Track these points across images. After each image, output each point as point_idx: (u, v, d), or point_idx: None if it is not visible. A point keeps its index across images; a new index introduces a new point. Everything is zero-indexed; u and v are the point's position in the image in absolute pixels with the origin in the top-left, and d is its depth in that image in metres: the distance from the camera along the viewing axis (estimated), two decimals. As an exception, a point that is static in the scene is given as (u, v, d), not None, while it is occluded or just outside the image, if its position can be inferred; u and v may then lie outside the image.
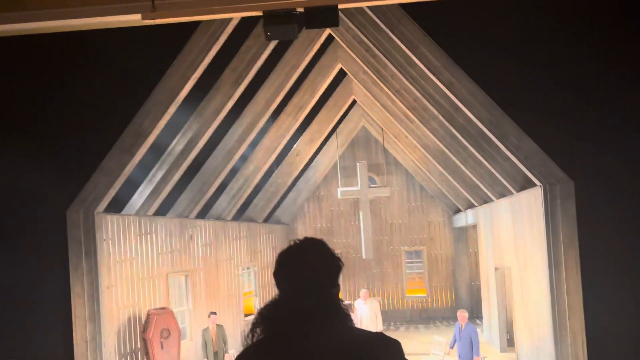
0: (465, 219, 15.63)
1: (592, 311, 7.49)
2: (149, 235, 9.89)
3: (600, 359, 7.47)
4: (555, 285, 7.83)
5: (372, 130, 17.46)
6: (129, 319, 9.08)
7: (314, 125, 14.73)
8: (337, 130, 16.29)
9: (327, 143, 16.45)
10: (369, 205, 14.41)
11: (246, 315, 14.18)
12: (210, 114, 9.70)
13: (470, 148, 10.05)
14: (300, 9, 5.57)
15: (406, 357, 1.59)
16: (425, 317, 17.71)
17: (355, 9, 8.93)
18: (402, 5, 7.82)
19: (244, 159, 12.65)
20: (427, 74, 8.41)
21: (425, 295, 17.94)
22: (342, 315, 1.55)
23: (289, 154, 14.78)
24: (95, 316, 7.96)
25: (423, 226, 17.91)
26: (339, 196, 15.01)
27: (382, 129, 15.92)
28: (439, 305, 17.83)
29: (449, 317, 17.30)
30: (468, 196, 13.95)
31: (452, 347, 9.39)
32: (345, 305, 1.58)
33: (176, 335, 9.52)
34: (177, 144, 9.72)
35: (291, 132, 13.19)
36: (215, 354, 9.85)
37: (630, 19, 6.93)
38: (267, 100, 11.19)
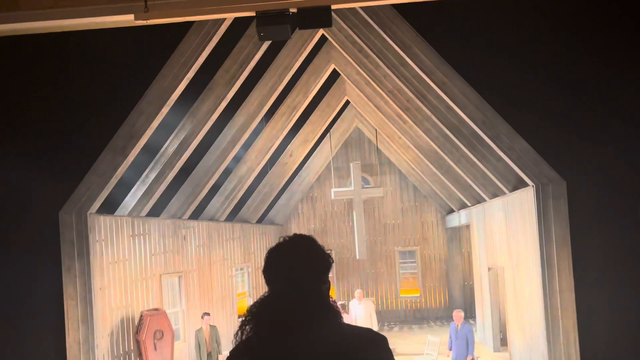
0: (458, 219, 15.69)
1: (585, 310, 7.54)
2: (142, 237, 9.85)
3: (593, 358, 7.52)
4: (548, 285, 7.87)
5: (366, 130, 17.49)
6: (122, 321, 9.05)
7: (307, 126, 14.73)
8: (331, 130, 16.30)
9: (321, 144, 16.46)
10: (362, 205, 14.43)
11: (240, 316, 14.15)
12: (204, 115, 9.68)
13: (463, 148, 10.09)
14: (293, 10, 5.58)
15: (400, 357, 1.60)
16: (418, 317, 17.75)
17: (348, 9, 8.94)
18: (394, 5, 7.84)
19: (237, 159, 12.64)
20: (420, 74, 8.44)
21: (418, 295, 17.98)
22: (331, 312, 1.55)
23: (282, 154, 14.78)
24: (88, 318, 7.92)
25: (416, 226, 17.96)
26: (332, 197, 15.03)
27: (376, 130, 15.95)
28: (432, 306, 17.88)
29: (442, 317, 17.35)
30: (461, 196, 14.00)
31: (450, 349, 9.39)
32: (335, 303, 1.59)
33: (169, 337, 9.50)
34: (170, 145, 9.69)
35: (284, 132, 13.19)
36: (209, 354, 9.82)
37: (623, 18, 6.99)
38: (260, 101, 11.19)
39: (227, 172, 12.46)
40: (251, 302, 14.31)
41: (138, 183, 9.69)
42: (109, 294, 8.71)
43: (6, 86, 7.66)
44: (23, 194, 7.72)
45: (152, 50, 7.92)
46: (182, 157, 9.86)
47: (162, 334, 9.34)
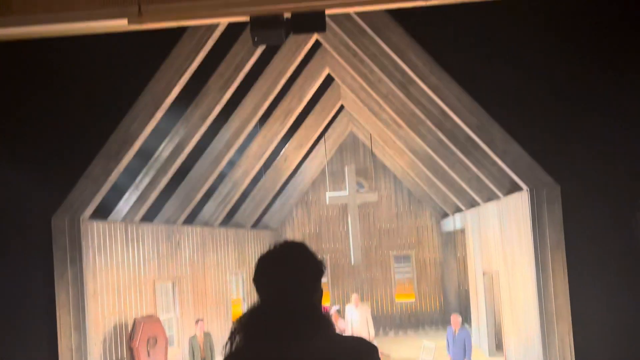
0: (453, 223, 15.69)
1: (580, 314, 7.54)
2: (135, 242, 9.80)
3: (588, 362, 7.51)
4: (543, 289, 7.87)
5: (360, 135, 17.49)
6: (115, 327, 8.98)
7: (301, 131, 14.72)
8: (325, 135, 16.29)
9: (315, 148, 16.45)
10: (357, 210, 14.41)
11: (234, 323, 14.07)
12: (198, 120, 9.65)
13: (458, 153, 10.10)
14: (287, 15, 5.57)
15: None
16: (414, 322, 17.72)
17: (343, 14, 8.95)
18: (388, 11, 7.85)
19: (231, 164, 12.60)
20: (414, 79, 8.45)
21: (414, 300, 17.95)
22: (322, 322, 1.51)
23: (277, 159, 14.75)
24: (80, 325, 7.86)
25: (411, 231, 17.95)
26: (327, 201, 15.01)
27: (370, 134, 15.96)
28: (427, 310, 17.85)
29: (437, 322, 17.33)
30: (456, 200, 14.01)
31: (449, 353, 9.37)
32: (330, 308, 1.56)
33: (163, 343, 9.43)
34: (164, 150, 9.65)
35: (279, 137, 13.17)
36: (203, 361, 9.76)
37: (619, 22, 7.02)
38: (254, 106, 11.17)
39: (221, 177, 12.42)
40: (246, 308, 14.25)
41: (131, 188, 9.64)
42: (102, 300, 8.65)
43: (-2, 91, 7.61)
44: (15, 199, 7.66)
45: (145, 55, 7.90)
46: (176, 162, 9.82)
47: (156, 341, 9.28)
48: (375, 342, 10.85)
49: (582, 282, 7.53)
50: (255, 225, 15.85)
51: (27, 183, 7.67)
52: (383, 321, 17.62)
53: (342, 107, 15.79)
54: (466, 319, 16.02)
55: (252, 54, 9.48)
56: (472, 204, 12.90)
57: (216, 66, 9.45)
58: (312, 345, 1.47)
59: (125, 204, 9.69)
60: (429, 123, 10.10)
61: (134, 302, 9.62)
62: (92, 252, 8.39)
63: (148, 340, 9.18)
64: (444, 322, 16.73)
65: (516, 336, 9.91)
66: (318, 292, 1.56)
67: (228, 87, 9.59)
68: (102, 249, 8.74)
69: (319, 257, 1.59)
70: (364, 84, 11.38)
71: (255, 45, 5.96)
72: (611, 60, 7.21)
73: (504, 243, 10.30)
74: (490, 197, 11.19)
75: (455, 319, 9.28)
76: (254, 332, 1.49)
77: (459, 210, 14.57)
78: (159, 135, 9.24)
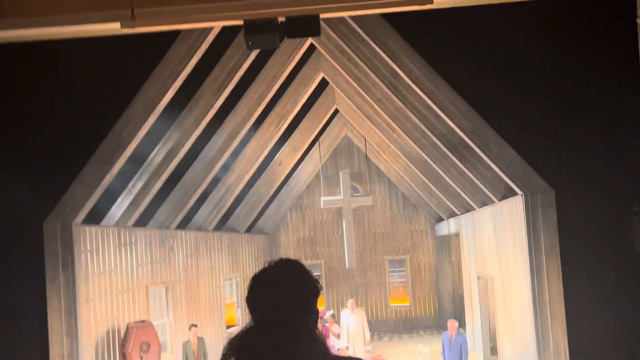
0: (447, 227, 15.68)
1: (574, 319, 7.53)
2: (128, 247, 9.72)
3: (583, 367, 7.50)
4: (538, 294, 7.86)
5: (355, 139, 17.48)
6: (108, 333, 8.89)
7: (296, 135, 14.69)
8: (320, 139, 16.27)
9: (310, 152, 16.42)
10: (351, 214, 14.38)
11: (228, 327, 14.00)
12: (191, 124, 9.60)
13: (452, 157, 10.09)
14: (282, 19, 5.54)
15: None
16: (408, 326, 17.68)
17: (337, 18, 8.93)
18: (383, 15, 7.84)
19: (225, 168, 12.55)
20: (409, 83, 8.43)
21: (408, 304, 17.92)
22: (317, 344, 1.47)
23: (271, 163, 14.71)
24: (72, 331, 7.78)
25: (406, 235, 17.93)
26: (321, 206, 14.97)
27: (365, 138, 15.94)
28: (422, 315, 17.82)
29: (432, 326, 17.30)
30: (450, 205, 14.00)
31: (445, 358, 9.33)
32: (323, 332, 1.51)
33: (156, 349, 9.35)
34: (157, 154, 9.60)
35: (273, 141, 13.13)
36: (197, 367, 9.68)
37: (612, 28, 7.03)
38: (248, 110, 11.13)
39: (215, 181, 12.37)
40: (240, 313, 14.14)
41: (124, 193, 9.57)
42: (95, 306, 8.57)
43: (-10, 95, 7.54)
44: (6, 204, 7.58)
45: (138, 58, 7.85)
46: (170, 167, 9.76)
47: (149, 346, 9.20)
48: (370, 347, 10.78)
49: (576, 287, 7.52)
50: (249, 229, 15.78)
51: (19, 188, 7.59)
52: (378, 325, 17.57)
53: (336, 111, 15.77)
54: (460, 323, 15.99)
55: (246, 58, 9.45)
56: (467, 208, 12.90)
57: (210, 70, 9.41)
58: None
59: (118, 209, 9.62)
60: (423, 127, 10.09)
61: (127, 307, 9.54)
62: (84, 257, 8.31)
63: (141, 345, 9.10)
64: (439, 326, 16.71)
65: (511, 341, 9.89)
66: (313, 315, 1.51)
67: (222, 91, 9.55)
68: (95, 254, 8.67)
69: (315, 276, 1.54)
70: (359, 88, 11.37)
71: (249, 49, 5.93)
72: (606, 65, 7.22)
73: (498, 248, 10.29)
74: (484, 201, 11.18)
75: (452, 323, 9.25)
76: (247, 355, 1.44)
77: (453, 214, 14.57)
78: (152, 139, 9.18)
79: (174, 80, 8.02)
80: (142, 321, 9.53)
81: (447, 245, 17.64)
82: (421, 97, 8.66)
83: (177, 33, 7.84)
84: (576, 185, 7.52)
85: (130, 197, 9.62)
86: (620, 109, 7.13)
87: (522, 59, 7.50)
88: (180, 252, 11.60)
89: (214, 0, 5.18)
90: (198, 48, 8.01)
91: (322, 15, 5.60)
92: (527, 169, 7.83)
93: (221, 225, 14.02)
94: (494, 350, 11.97)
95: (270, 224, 17.40)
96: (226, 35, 8.68)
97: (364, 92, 11.26)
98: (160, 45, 7.82)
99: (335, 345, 10.33)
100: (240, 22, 5.61)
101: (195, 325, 10.03)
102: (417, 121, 10.13)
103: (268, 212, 16.87)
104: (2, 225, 7.62)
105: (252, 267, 15.65)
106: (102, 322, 8.78)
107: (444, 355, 9.31)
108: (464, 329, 14.72)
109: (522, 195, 8.07)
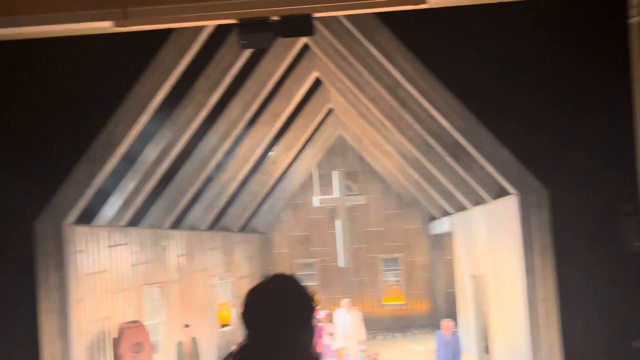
0: (441, 226, 15.70)
1: (568, 318, 7.55)
2: (121, 247, 9.66)
3: (576, 366, 7.52)
4: (531, 293, 7.87)
5: (349, 138, 17.46)
6: (100, 334, 8.84)
7: (290, 134, 14.65)
8: (314, 138, 16.24)
9: (304, 151, 16.38)
10: (346, 213, 14.37)
11: (222, 327, 13.96)
12: (184, 123, 9.55)
13: (446, 156, 10.09)
14: (275, 18, 5.50)
15: None
16: (402, 325, 17.70)
17: (331, 17, 8.90)
18: (378, 14, 7.81)
19: (219, 167, 12.50)
20: (403, 82, 8.42)
21: (402, 302, 17.93)
22: None
23: (264, 162, 14.67)
24: (64, 332, 7.72)
25: (400, 234, 17.94)
26: (315, 205, 14.94)
27: (359, 137, 15.93)
28: (416, 313, 17.84)
29: (426, 325, 17.32)
30: (444, 204, 14.01)
31: (439, 358, 9.30)
32: (317, 352, 1.48)
33: (149, 350, 9.30)
34: (150, 153, 9.53)
35: (267, 140, 13.09)
36: (190, 367, 9.64)
37: (608, 27, 7.04)
38: (242, 109, 11.08)
39: (208, 181, 12.31)
40: (234, 312, 14.08)
41: (117, 192, 9.51)
42: (87, 307, 8.51)
43: (-21, 94, 7.46)
44: (-3, 205, 7.50)
45: (131, 57, 7.78)
46: (162, 166, 9.71)
47: (142, 347, 9.14)
48: (365, 346, 10.76)
49: (570, 286, 7.53)
50: (243, 229, 15.74)
51: (10, 188, 7.52)
52: (372, 324, 17.55)
53: (330, 110, 15.75)
54: (454, 322, 16.03)
55: (239, 57, 9.40)
56: (461, 207, 12.91)
57: (203, 69, 9.35)
58: None
59: (110, 209, 9.55)
60: (417, 127, 10.08)
61: (119, 307, 9.48)
62: (76, 257, 8.25)
63: (133, 346, 9.04)
64: (432, 325, 16.72)
65: (504, 339, 9.91)
66: (309, 332, 1.48)
67: (215, 90, 9.50)
68: (87, 254, 8.60)
69: (310, 292, 1.51)
70: (353, 87, 11.34)
71: (243, 48, 5.90)
72: (599, 65, 7.23)
73: (492, 247, 10.30)
74: (478, 200, 11.19)
75: (447, 323, 9.24)
76: None
77: (447, 213, 14.58)
78: (144, 138, 9.12)
79: (167, 78, 7.97)
80: (134, 322, 9.48)
81: (441, 244, 17.67)
82: (415, 97, 8.65)
83: (169, 31, 7.78)
84: (570, 184, 7.53)
85: (123, 197, 9.56)
86: (614, 109, 7.14)
87: (517, 59, 7.50)
88: (174, 252, 11.54)
89: (207, -1, 5.14)
90: (191, 46, 7.96)
91: (316, 14, 5.57)
92: (520, 169, 7.84)
93: (215, 224, 13.97)
94: (487, 349, 11.99)
95: (264, 223, 17.36)
96: (219, 33, 8.63)
97: (358, 91, 11.24)
98: (152, 43, 7.76)
99: (332, 345, 10.33)
100: (233, 21, 5.57)
101: (189, 326, 9.99)
102: (411, 120, 10.12)
103: (262, 211, 16.83)
104: (-8, 225, 7.55)
105: (245, 267, 15.60)
106: (95, 323, 8.72)
107: (438, 355, 9.30)
108: (457, 328, 14.74)
109: (515, 194, 8.07)
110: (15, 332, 7.56)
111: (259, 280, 1.50)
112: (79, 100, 7.70)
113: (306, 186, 17.71)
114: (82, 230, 8.49)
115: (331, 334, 11.08)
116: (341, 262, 14.30)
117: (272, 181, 15.46)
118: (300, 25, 5.34)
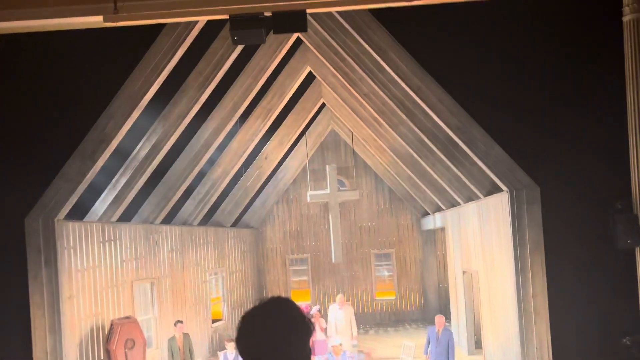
0: (433, 222, 15.75)
1: (558, 314, 7.60)
2: (112, 242, 9.62)
3: (566, 361, 7.58)
4: (522, 289, 7.91)
5: (342, 133, 17.45)
6: (92, 330, 8.81)
7: (282, 129, 14.62)
8: (306, 133, 16.21)
9: (296, 146, 16.36)
10: (338, 208, 14.38)
11: (214, 322, 13.95)
12: (176, 118, 9.50)
13: (438, 153, 10.11)
14: (268, 13, 5.48)
15: None
16: (394, 319, 17.77)
17: (324, 13, 8.87)
18: (370, 10, 7.80)
19: (211, 162, 12.46)
20: (396, 79, 8.41)
21: (394, 297, 18.00)
22: None
23: (257, 157, 14.64)
24: (55, 327, 7.69)
25: (392, 229, 17.98)
26: (308, 200, 14.93)
27: (352, 133, 15.92)
28: (408, 308, 17.92)
29: (417, 320, 17.41)
30: (436, 200, 14.05)
31: (426, 354, 9.28)
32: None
33: (141, 345, 9.28)
34: (142, 149, 9.49)
35: (259, 135, 13.06)
36: (182, 363, 9.63)
37: (601, 24, 7.06)
38: (234, 104, 11.04)
39: (200, 176, 12.27)
40: (225, 307, 14.01)
41: (108, 188, 9.46)
42: (78, 303, 8.47)
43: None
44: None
45: (122, 52, 7.72)
46: (154, 161, 9.66)
47: (134, 343, 9.13)
48: (357, 342, 10.73)
49: (560, 282, 7.58)
50: (235, 224, 15.71)
51: (0, 183, 7.46)
52: (363, 319, 17.63)
53: (323, 105, 15.72)
54: (446, 317, 16.11)
55: (231, 51, 9.35)
56: (453, 203, 12.95)
57: (195, 63, 9.30)
58: None
59: (101, 204, 9.51)
60: (410, 123, 10.08)
61: (111, 303, 9.46)
62: (67, 253, 8.21)
63: (125, 342, 9.02)
64: (424, 319, 16.81)
65: (495, 335, 9.98)
66: (306, 351, 1.47)
67: (207, 85, 9.45)
68: (78, 250, 8.56)
69: (306, 315, 1.51)
70: (346, 83, 11.32)
71: (235, 44, 5.86)
72: (593, 63, 7.25)
73: (483, 243, 10.35)
74: (470, 197, 11.23)
75: (439, 319, 9.23)
76: None
77: (439, 209, 14.62)
78: (136, 134, 9.07)
79: (159, 74, 7.91)
80: (127, 317, 9.46)
81: (433, 240, 17.73)
82: (408, 93, 8.64)
83: (161, 26, 7.72)
84: (561, 182, 7.56)
85: (114, 192, 9.51)
86: (607, 107, 7.17)
87: (510, 57, 7.51)
88: (165, 247, 11.51)
89: (199, -6, 5.11)
90: (183, 41, 7.91)
91: (309, 10, 5.54)
92: (512, 166, 7.86)
93: (207, 219, 13.94)
94: (478, 344, 12.07)
95: (257, 218, 17.34)
96: (211, 28, 8.58)
97: (351, 86, 11.22)
98: (144, 38, 7.70)
99: (328, 342, 10.35)
100: (225, 17, 5.54)
101: (181, 322, 9.97)
102: (403, 116, 10.12)
103: (254, 206, 16.80)
104: (-18, 221, 7.49)
105: (238, 262, 15.60)
106: (86, 319, 8.69)
107: (426, 350, 9.29)
108: (449, 323, 14.83)
109: (507, 191, 8.11)
110: (7, 328, 7.52)
111: (254, 305, 1.49)
112: (70, 95, 7.64)
113: (299, 181, 17.70)
114: (73, 225, 8.44)
115: (323, 330, 11.10)
116: (334, 257, 14.32)
117: (264, 176, 15.43)
118: (293, 21, 5.32)
